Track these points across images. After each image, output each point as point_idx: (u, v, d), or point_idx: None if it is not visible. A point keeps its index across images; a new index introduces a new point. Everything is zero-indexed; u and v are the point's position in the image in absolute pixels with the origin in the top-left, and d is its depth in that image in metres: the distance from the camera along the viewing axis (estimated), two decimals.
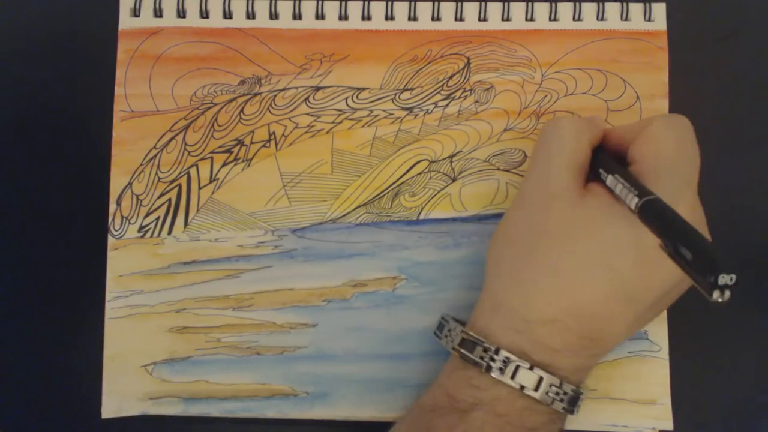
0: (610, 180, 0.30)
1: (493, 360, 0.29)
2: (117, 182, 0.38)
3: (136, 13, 0.39)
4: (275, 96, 0.39)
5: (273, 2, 0.39)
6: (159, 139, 0.38)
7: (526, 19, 0.39)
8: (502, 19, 0.39)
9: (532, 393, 0.29)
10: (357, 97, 0.39)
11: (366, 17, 0.39)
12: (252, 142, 0.38)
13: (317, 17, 0.39)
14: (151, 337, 0.37)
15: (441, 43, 0.39)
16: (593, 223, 0.29)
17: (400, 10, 0.39)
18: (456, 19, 0.39)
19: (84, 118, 0.39)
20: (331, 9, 0.39)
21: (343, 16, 0.39)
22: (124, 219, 0.38)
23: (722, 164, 0.38)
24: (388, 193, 0.38)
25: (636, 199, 0.27)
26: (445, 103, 0.38)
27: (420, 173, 0.38)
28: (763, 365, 0.37)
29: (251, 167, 0.38)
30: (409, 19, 0.39)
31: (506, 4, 0.39)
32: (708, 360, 0.37)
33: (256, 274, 0.38)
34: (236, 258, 0.38)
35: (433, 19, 0.39)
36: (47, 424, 0.38)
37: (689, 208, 0.29)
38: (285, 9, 0.39)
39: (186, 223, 0.38)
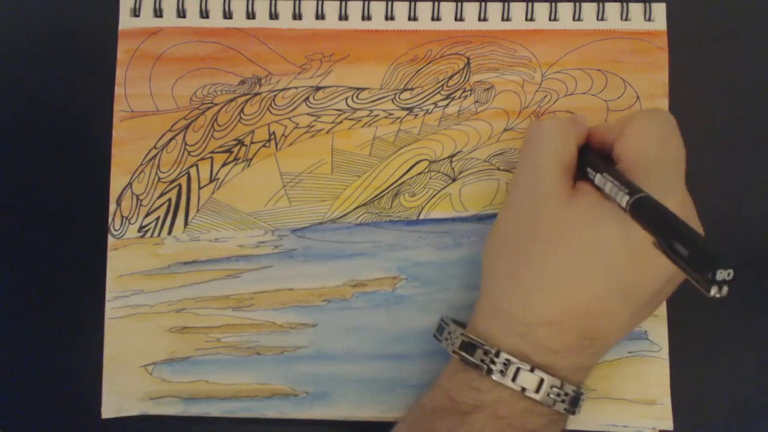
0: (598, 179, 0.29)
1: (493, 362, 0.29)
2: (117, 182, 0.38)
3: (136, 13, 0.39)
4: (275, 96, 0.39)
5: (273, 2, 0.39)
6: (159, 139, 0.38)
7: (526, 19, 0.39)
8: (502, 19, 0.39)
9: (533, 395, 0.29)
10: (357, 97, 0.39)
11: (366, 17, 0.39)
12: (252, 142, 0.38)
13: (317, 17, 0.39)
14: (151, 337, 0.37)
15: (441, 43, 0.39)
16: (585, 222, 0.29)
17: (400, 10, 0.39)
18: (456, 19, 0.39)
19: (84, 118, 0.39)
20: (331, 9, 0.39)
21: (343, 16, 0.39)
22: (124, 219, 0.38)
23: (722, 164, 0.38)
24: (388, 193, 0.38)
25: (626, 197, 0.26)
26: (445, 103, 0.38)
27: (420, 173, 0.38)
28: (763, 365, 0.37)
29: (251, 167, 0.38)
30: (409, 19, 0.39)
31: (506, 4, 0.39)
32: (708, 360, 0.37)
33: (256, 274, 0.38)
34: (236, 258, 0.38)
35: (433, 19, 0.39)
36: (47, 424, 0.38)
37: (679, 203, 0.29)
38: (285, 9, 0.39)
39: (186, 223, 0.38)
